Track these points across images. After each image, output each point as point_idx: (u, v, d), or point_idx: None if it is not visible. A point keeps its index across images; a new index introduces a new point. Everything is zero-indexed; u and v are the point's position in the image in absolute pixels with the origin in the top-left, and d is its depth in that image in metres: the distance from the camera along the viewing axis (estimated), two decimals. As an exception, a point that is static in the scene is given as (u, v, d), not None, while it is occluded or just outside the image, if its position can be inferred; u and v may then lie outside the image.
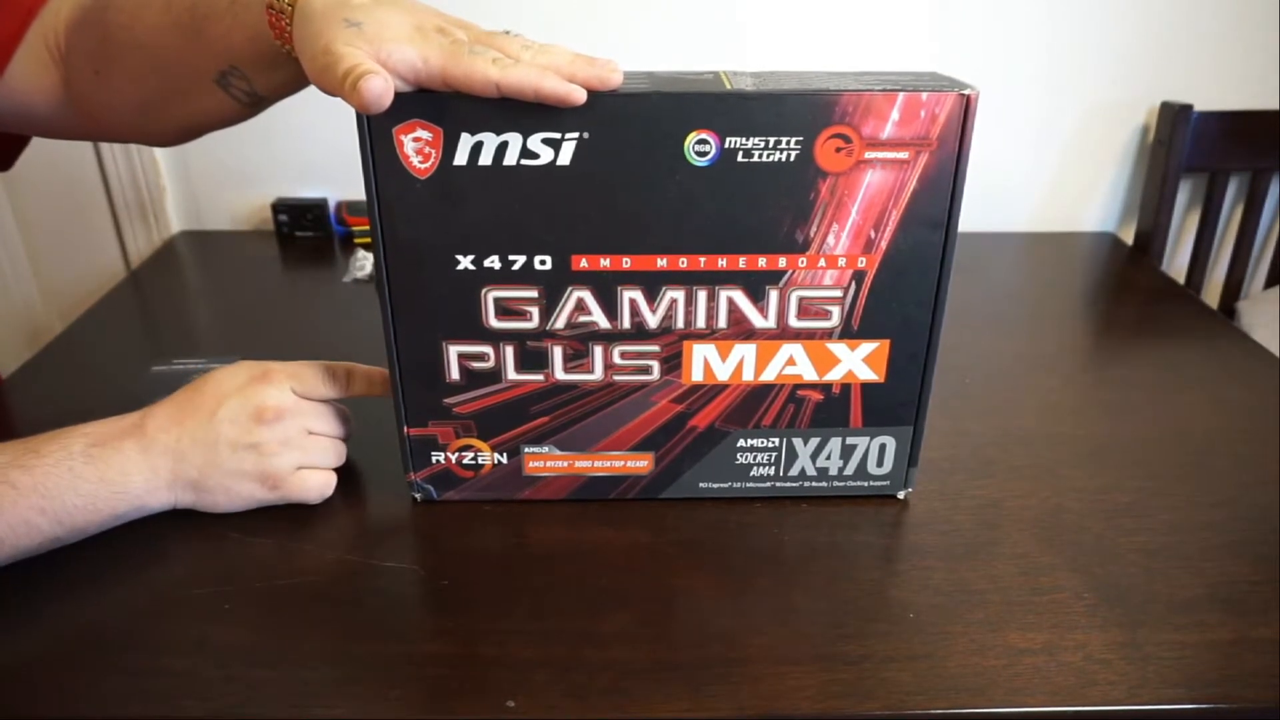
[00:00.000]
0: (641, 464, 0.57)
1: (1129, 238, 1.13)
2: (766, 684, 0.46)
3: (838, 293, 0.52)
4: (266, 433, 0.55)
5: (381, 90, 0.43)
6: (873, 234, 0.50)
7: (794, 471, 0.57)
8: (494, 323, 0.53)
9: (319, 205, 1.02)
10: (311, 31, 0.46)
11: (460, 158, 0.48)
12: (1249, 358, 0.81)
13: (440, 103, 0.46)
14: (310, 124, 1.02)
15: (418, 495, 0.58)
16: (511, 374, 0.54)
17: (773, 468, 0.57)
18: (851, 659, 0.48)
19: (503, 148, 0.47)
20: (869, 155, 0.48)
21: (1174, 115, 1.04)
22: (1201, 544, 0.57)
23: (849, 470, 0.57)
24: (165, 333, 0.84)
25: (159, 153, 1.02)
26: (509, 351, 0.53)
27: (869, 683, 0.46)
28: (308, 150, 1.04)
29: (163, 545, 0.55)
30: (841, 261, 0.51)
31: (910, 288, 0.52)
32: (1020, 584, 0.53)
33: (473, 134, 0.47)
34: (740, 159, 0.48)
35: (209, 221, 1.08)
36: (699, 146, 0.48)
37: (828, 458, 0.57)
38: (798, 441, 0.56)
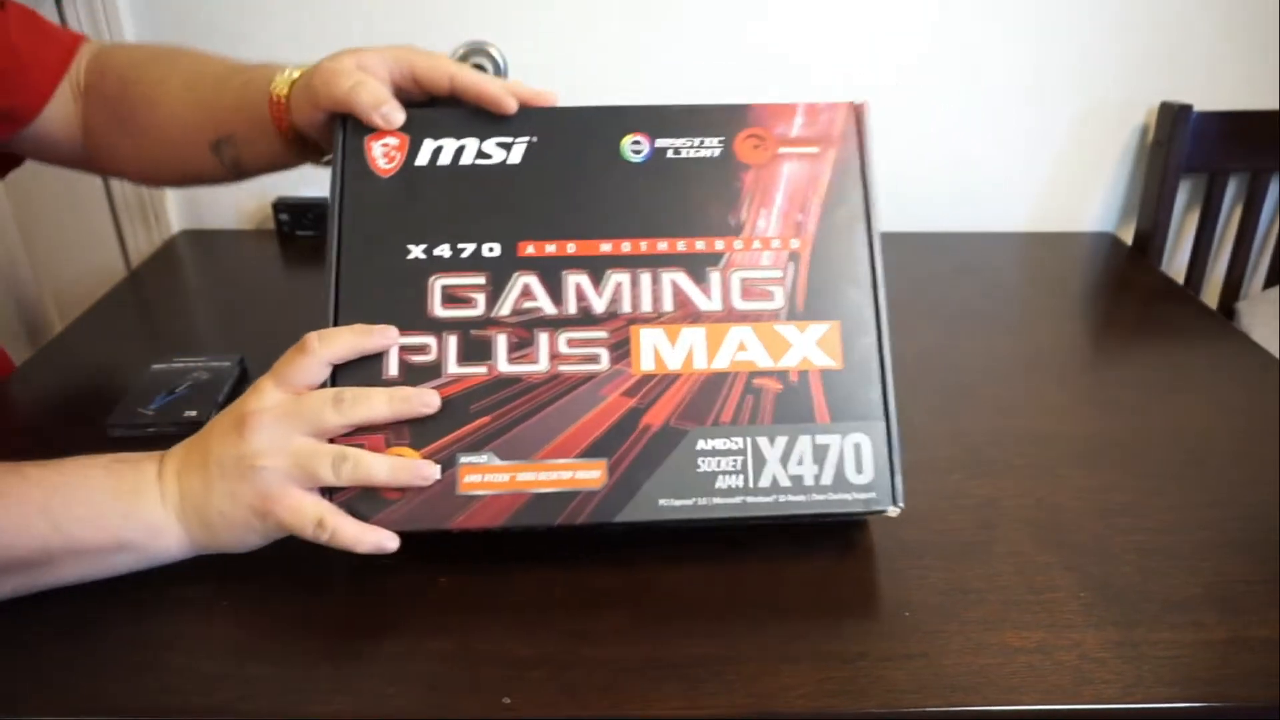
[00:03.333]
0: (593, 475, 0.50)
1: (1128, 238, 1.13)
2: (762, 682, 0.46)
3: (777, 273, 0.54)
4: (252, 440, 0.48)
5: (398, 119, 0.54)
6: (799, 217, 0.55)
7: (765, 482, 0.51)
8: (439, 311, 0.52)
9: (320, 204, 1.02)
10: (317, 81, 0.55)
11: (422, 159, 0.55)
12: (1248, 358, 0.81)
13: (410, 116, 0.55)
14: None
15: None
16: (453, 367, 0.51)
17: (740, 477, 0.51)
18: (847, 657, 0.48)
19: (460, 150, 0.55)
20: (782, 150, 0.56)
21: (1174, 115, 1.04)
22: (1198, 543, 0.57)
23: (826, 478, 0.51)
24: (165, 332, 0.84)
25: (160, 152, 1.03)
26: (452, 342, 0.52)
27: (864, 681, 0.46)
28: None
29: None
30: (775, 243, 0.55)
31: (846, 269, 0.55)
32: (1016, 583, 0.53)
33: (435, 139, 0.55)
34: (670, 155, 0.56)
35: (209, 220, 1.08)
36: (634, 146, 0.55)
37: (799, 462, 0.51)
38: (763, 442, 0.51)
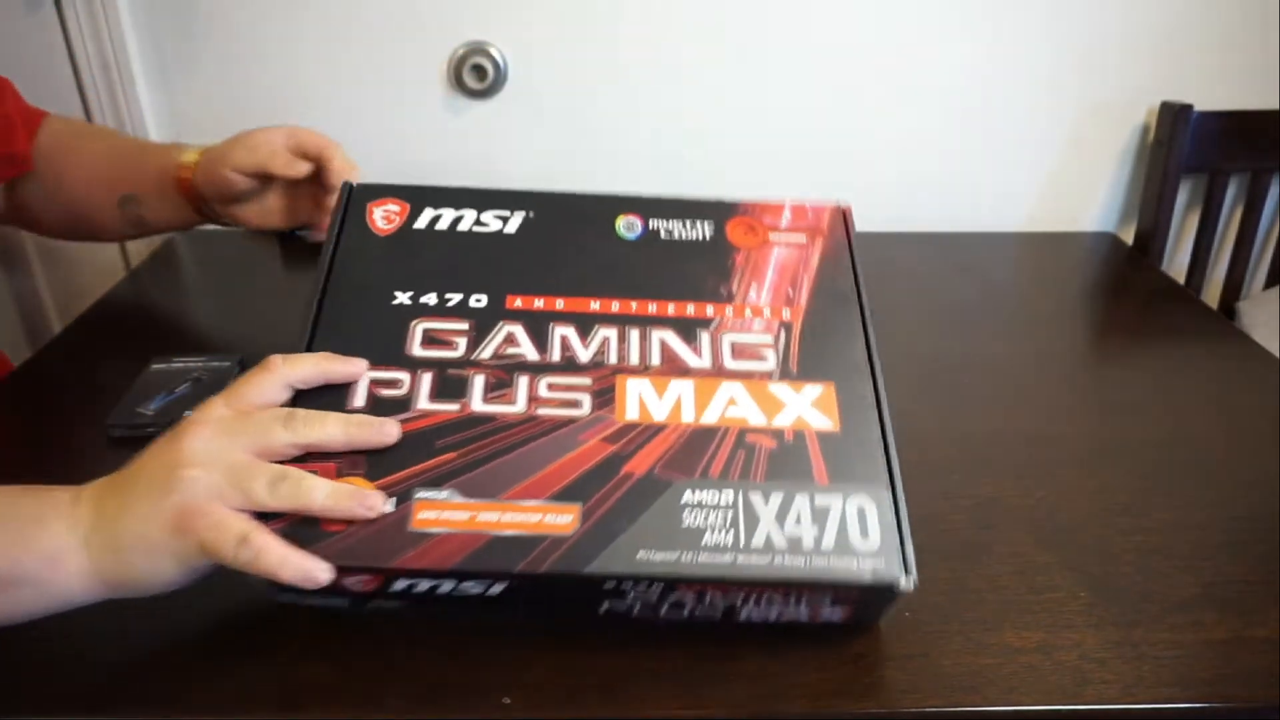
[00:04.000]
0: (565, 519, 0.44)
1: (1129, 238, 1.12)
2: (762, 683, 0.46)
3: (768, 338, 0.53)
4: (187, 449, 0.44)
5: (302, 169, 0.74)
6: (790, 291, 0.55)
7: (759, 541, 0.45)
8: (417, 351, 0.50)
9: (319, 205, 1.02)
10: (239, 149, 0.73)
11: (420, 224, 0.56)
12: (1249, 358, 0.81)
13: (413, 190, 0.57)
14: (310, 124, 1.02)
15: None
16: (423, 402, 0.48)
17: (730, 534, 0.45)
18: (847, 657, 0.48)
19: (458, 219, 0.56)
20: (772, 237, 0.57)
21: (1174, 115, 1.04)
22: (1198, 543, 0.57)
23: (828, 542, 0.45)
24: (165, 332, 0.84)
25: (160, 152, 1.03)
26: (426, 378, 0.49)
27: (864, 681, 0.46)
28: (308, 150, 1.04)
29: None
30: (766, 312, 0.54)
31: (839, 341, 0.53)
32: (1017, 583, 0.53)
33: (435, 208, 0.56)
34: (663, 235, 0.56)
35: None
36: (627, 225, 0.57)
37: (797, 521, 0.45)
38: (755, 497, 0.46)
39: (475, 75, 1.00)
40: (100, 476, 0.45)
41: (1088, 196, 1.13)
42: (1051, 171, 1.10)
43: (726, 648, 0.48)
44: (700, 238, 0.57)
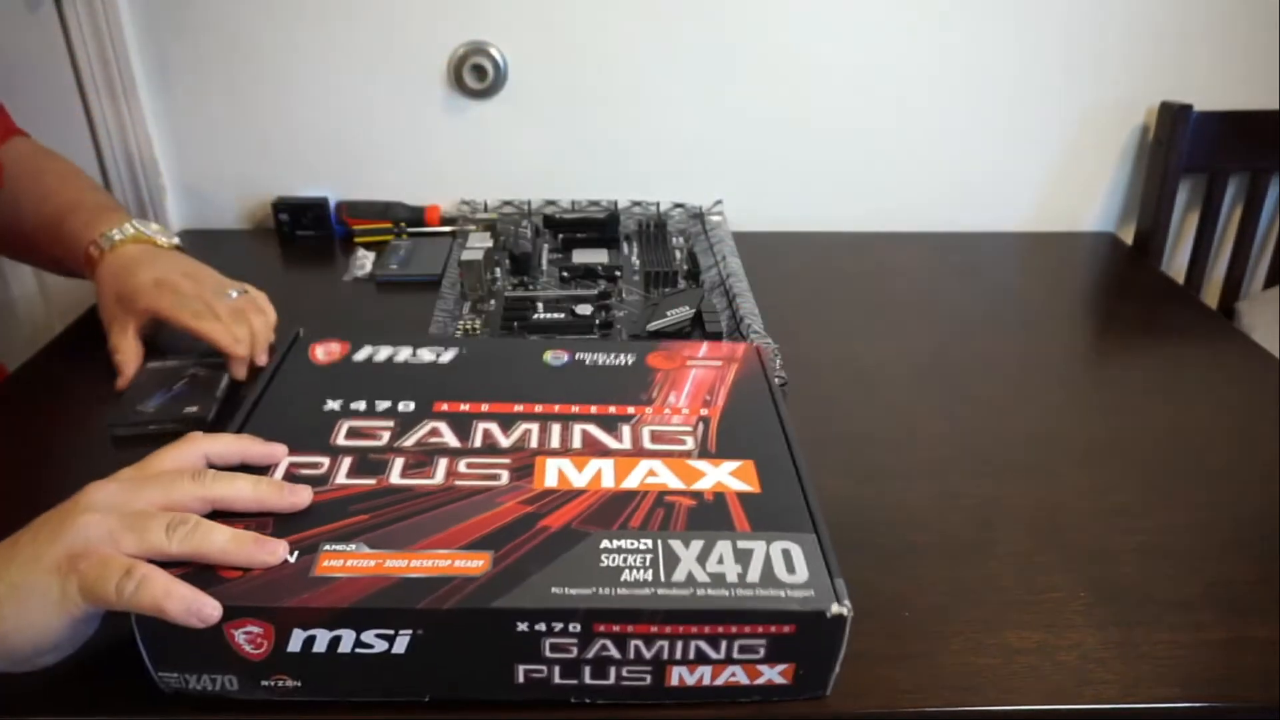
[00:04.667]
0: (475, 564, 0.42)
1: (1129, 238, 1.12)
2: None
3: (688, 428, 0.54)
4: (85, 500, 0.42)
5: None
6: (708, 396, 0.57)
7: (679, 576, 0.42)
8: (340, 441, 0.51)
9: (319, 205, 1.02)
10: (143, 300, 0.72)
11: (359, 357, 0.60)
12: (1249, 358, 0.81)
13: (354, 334, 0.62)
14: (310, 124, 1.02)
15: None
16: (342, 478, 0.48)
17: (649, 572, 0.42)
18: (846, 657, 0.47)
19: (395, 353, 0.60)
20: (690, 363, 0.61)
21: (1174, 115, 1.04)
22: (1198, 543, 0.57)
23: (752, 576, 0.43)
24: (165, 331, 0.84)
25: (159, 152, 1.02)
26: (345, 461, 0.49)
27: (864, 681, 0.46)
28: (308, 150, 1.04)
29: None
30: (684, 410, 0.56)
31: (756, 426, 0.55)
32: (1016, 583, 0.53)
33: (373, 346, 0.61)
34: (588, 363, 0.60)
35: (209, 220, 1.08)
36: (554, 356, 0.61)
37: (719, 561, 0.43)
38: (676, 544, 0.44)
39: (475, 75, 1.00)
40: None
41: (1088, 196, 1.13)
42: (1051, 171, 1.10)
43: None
44: (622, 364, 0.60)
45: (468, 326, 0.78)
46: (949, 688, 0.46)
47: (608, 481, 0.49)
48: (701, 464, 0.50)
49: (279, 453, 0.50)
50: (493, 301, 0.82)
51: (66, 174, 0.80)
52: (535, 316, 0.78)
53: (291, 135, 1.03)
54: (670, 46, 1.01)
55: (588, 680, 0.43)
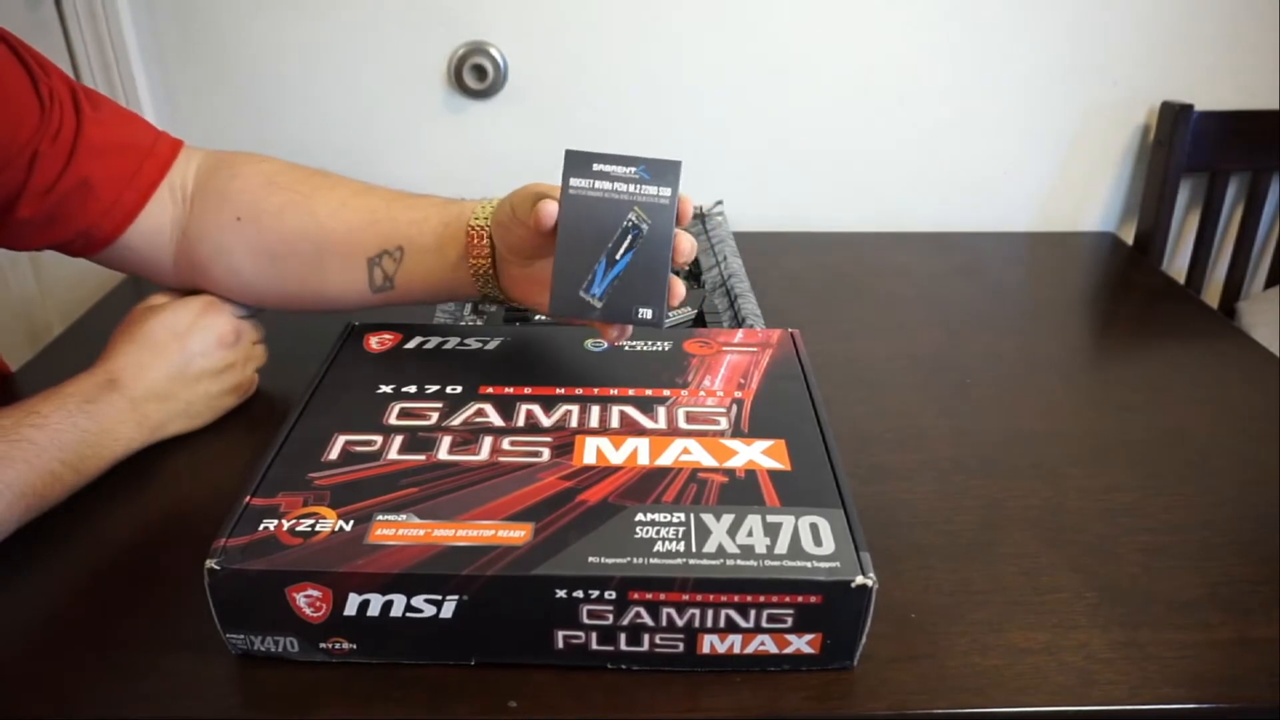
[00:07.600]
0: (518, 534, 0.46)
1: (1129, 238, 1.13)
2: (767, 684, 0.46)
3: (721, 409, 0.57)
4: (233, 354, 0.65)
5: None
6: (742, 380, 0.60)
7: (710, 548, 0.45)
8: (392, 421, 0.55)
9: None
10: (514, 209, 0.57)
11: (410, 345, 0.64)
12: (1249, 358, 0.81)
13: (406, 326, 0.66)
14: (311, 124, 1.02)
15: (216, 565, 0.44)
16: (393, 455, 0.52)
17: (682, 544, 0.45)
18: (853, 659, 0.48)
19: (444, 341, 0.64)
20: (725, 348, 0.63)
21: (1174, 115, 1.04)
22: (1203, 544, 0.57)
23: (780, 548, 0.45)
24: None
25: (159, 153, 1.02)
26: (397, 439, 0.53)
27: (870, 682, 0.46)
28: (308, 150, 1.03)
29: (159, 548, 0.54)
30: (719, 392, 0.58)
31: (789, 407, 0.57)
32: (1022, 584, 0.53)
33: (423, 336, 0.65)
34: (626, 349, 0.63)
35: (209, 221, 1.08)
36: (594, 343, 0.64)
37: (749, 534, 0.46)
38: (708, 518, 0.47)
39: (475, 75, 1.00)
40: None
41: (1088, 196, 1.13)
42: (1052, 171, 1.10)
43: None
44: (660, 350, 0.63)
45: (470, 327, 0.78)
46: (955, 689, 0.46)
47: (643, 459, 0.52)
48: (734, 443, 0.53)
49: None
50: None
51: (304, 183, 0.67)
52: (536, 318, 0.77)
53: (292, 135, 1.02)
54: (670, 47, 1.01)
55: (623, 647, 0.46)
